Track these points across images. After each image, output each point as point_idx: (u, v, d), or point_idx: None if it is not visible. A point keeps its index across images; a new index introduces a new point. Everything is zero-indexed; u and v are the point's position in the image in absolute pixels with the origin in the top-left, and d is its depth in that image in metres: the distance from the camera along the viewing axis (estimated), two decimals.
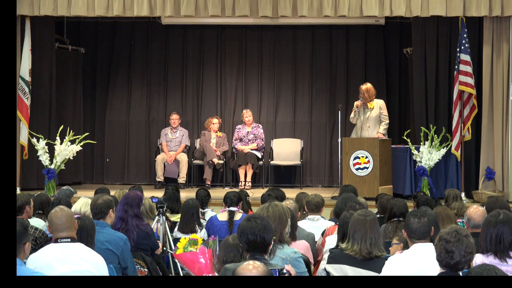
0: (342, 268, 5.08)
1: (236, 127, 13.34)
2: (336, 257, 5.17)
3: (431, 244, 4.85)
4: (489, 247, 4.96)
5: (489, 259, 4.89)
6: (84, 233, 5.20)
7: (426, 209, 5.63)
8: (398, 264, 4.75)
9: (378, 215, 7.65)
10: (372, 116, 11.42)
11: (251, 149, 12.93)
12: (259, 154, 12.91)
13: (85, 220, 5.32)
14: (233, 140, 13.22)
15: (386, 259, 5.05)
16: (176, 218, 8.05)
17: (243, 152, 12.80)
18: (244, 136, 13.05)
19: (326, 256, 5.33)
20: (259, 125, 13.29)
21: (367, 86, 11.52)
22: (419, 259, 4.74)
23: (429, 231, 4.91)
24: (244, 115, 13.21)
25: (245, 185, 12.65)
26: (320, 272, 5.29)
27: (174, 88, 14.20)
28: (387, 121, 11.49)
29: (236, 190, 9.26)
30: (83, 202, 6.61)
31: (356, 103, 11.53)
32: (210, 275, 4.75)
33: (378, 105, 11.49)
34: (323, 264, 5.28)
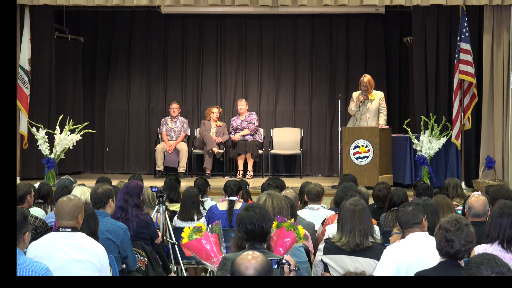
0: (340, 258, 5.07)
1: (231, 118, 13.33)
2: (331, 247, 5.15)
3: (427, 233, 4.86)
4: (494, 235, 4.92)
5: (493, 247, 4.87)
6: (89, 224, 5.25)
7: (427, 198, 5.64)
8: (396, 253, 4.75)
9: (375, 206, 7.64)
10: (373, 108, 11.41)
11: (244, 135, 12.92)
12: (249, 139, 12.90)
13: (87, 210, 5.33)
14: (229, 132, 13.20)
15: (384, 246, 5.05)
16: (175, 207, 8.06)
17: (242, 141, 12.80)
18: (238, 125, 13.05)
19: (321, 246, 5.33)
20: (252, 112, 13.28)
21: (367, 77, 11.51)
22: (417, 248, 4.73)
23: (415, 219, 4.89)
24: (238, 104, 13.23)
25: (243, 174, 12.66)
26: (316, 263, 5.27)
27: (174, 78, 14.18)
28: (386, 112, 11.50)
29: (238, 179, 9.27)
30: (81, 190, 6.62)
31: (358, 96, 11.47)
32: (219, 257, 4.76)
33: (379, 97, 11.49)
34: (319, 255, 5.26)
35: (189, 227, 5.14)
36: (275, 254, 4.40)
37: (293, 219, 4.83)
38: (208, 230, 5.01)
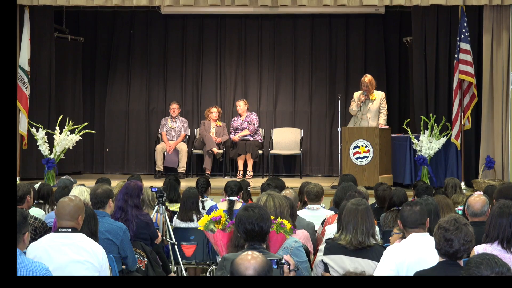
0: (340, 259, 5.08)
1: (232, 119, 13.33)
2: (332, 248, 5.16)
3: (428, 234, 4.85)
4: (494, 235, 4.91)
5: (493, 247, 4.86)
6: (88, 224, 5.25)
7: (427, 198, 5.63)
8: (396, 253, 4.74)
9: (376, 206, 7.64)
10: (374, 108, 11.42)
11: (244, 135, 12.93)
12: (249, 139, 12.90)
13: (87, 210, 5.33)
14: (229, 132, 13.19)
15: (384, 248, 5.04)
16: (175, 208, 8.06)
17: (242, 141, 12.80)
18: (239, 125, 13.05)
19: (322, 247, 5.33)
20: (253, 112, 13.28)
21: (368, 77, 11.52)
22: (417, 248, 4.73)
23: (422, 220, 4.88)
24: (236, 105, 13.23)
25: (243, 175, 12.66)
26: (317, 264, 5.28)
27: (174, 78, 14.18)
28: (386, 112, 11.52)
29: (238, 179, 9.26)
30: (79, 190, 6.63)
31: (360, 96, 11.47)
32: None
33: (379, 97, 11.50)
34: (319, 256, 5.27)
35: (207, 215, 5.13)
36: (275, 254, 4.40)
37: (280, 219, 4.81)
38: (226, 224, 4.97)
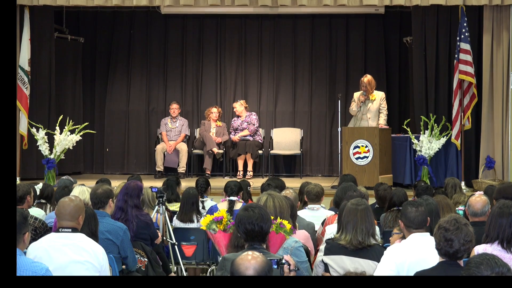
0: (340, 259, 5.08)
1: (232, 119, 13.32)
2: (332, 248, 5.16)
3: (428, 234, 4.84)
4: (494, 235, 4.91)
5: (493, 247, 4.86)
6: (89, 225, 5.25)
7: (428, 198, 5.63)
8: (396, 253, 4.74)
9: (376, 206, 7.64)
10: (374, 108, 11.42)
11: (244, 135, 12.92)
12: (249, 139, 12.89)
13: (87, 210, 5.32)
14: (229, 132, 13.18)
15: (384, 248, 5.04)
16: (175, 207, 8.06)
17: (242, 141, 12.80)
18: (239, 126, 13.05)
19: (322, 247, 5.33)
20: (253, 112, 13.27)
21: (368, 78, 11.52)
22: (418, 248, 4.73)
23: (426, 221, 4.89)
24: (233, 106, 13.22)
25: (243, 175, 12.65)
26: (317, 264, 5.28)
27: (174, 78, 14.18)
28: (386, 112, 11.51)
29: (238, 179, 9.25)
30: (79, 190, 6.63)
31: (359, 96, 11.48)
32: None
33: (379, 97, 11.50)
34: (320, 256, 5.27)
35: (209, 215, 5.13)
36: (275, 254, 4.40)
37: (279, 220, 4.82)
38: (228, 223, 4.98)
